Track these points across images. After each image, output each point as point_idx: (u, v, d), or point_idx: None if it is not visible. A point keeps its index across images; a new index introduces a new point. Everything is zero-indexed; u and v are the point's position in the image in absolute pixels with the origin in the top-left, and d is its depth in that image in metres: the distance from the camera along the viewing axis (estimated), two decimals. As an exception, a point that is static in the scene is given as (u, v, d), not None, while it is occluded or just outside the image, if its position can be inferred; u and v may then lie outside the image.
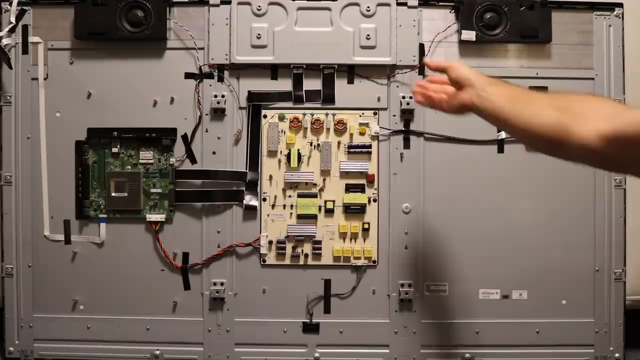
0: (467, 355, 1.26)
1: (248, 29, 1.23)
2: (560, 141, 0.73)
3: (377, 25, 1.23)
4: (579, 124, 0.71)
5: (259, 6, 1.23)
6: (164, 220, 1.26)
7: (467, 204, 1.26)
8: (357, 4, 1.24)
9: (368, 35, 1.23)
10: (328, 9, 1.24)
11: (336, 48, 1.24)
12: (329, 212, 1.25)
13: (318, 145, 1.26)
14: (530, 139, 0.80)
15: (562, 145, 0.73)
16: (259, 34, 1.23)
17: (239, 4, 1.23)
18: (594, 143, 0.69)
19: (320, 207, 1.25)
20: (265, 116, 1.26)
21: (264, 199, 1.26)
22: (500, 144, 1.26)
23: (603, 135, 0.68)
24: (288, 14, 1.24)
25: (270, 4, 1.24)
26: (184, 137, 1.26)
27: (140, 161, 1.26)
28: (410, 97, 1.23)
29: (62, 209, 1.27)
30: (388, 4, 1.24)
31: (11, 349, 1.27)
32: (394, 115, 1.26)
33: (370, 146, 1.26)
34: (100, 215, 1.26)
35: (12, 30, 1.25)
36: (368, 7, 1.24)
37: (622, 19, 1.27)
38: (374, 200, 1.26)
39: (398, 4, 1.24)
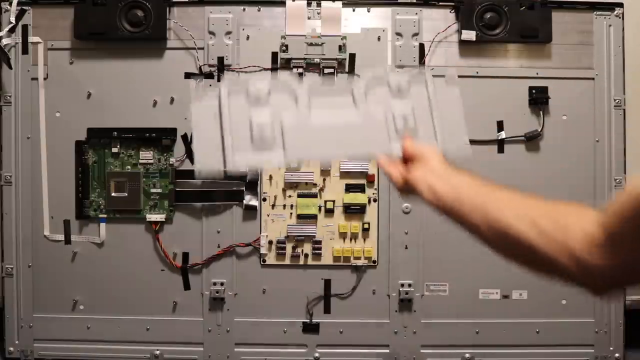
0: (467, 355, 1.26)
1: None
2: (552, 256, 0.58)
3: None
4: (570, 235, 0.57)
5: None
6: (164, 220, 1.25)
7: (467, 204, 1.26)
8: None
9: None
10: None
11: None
12: (329, 212, 1.25)
13: (318, 145, 1.26)
14: (506, 247, 0.65)
15: (555, 261, 0.58)
16: None
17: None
18: (595, 241, 0.54)
19: (320, 207, 1.25)
20: (265, 116, 1.26)
21: (264, 199, 1.26)
22: (500, 144, 1.26)
23: (599, 229, 0.54)
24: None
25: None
26: (184, 137, 1.26)
27: (140, 161, 1.26)
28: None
29: (62, 209, 1.26)
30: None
31: (11, 349, 1.27)
32: (394, 115, 1.25)
33: (370, 146, 1.25)
34: (100, 215, 1.26)
35: (12, 30, 1.25)
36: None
37: (622, 18, 1.26)
38: (374, 200, 1.26)
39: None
